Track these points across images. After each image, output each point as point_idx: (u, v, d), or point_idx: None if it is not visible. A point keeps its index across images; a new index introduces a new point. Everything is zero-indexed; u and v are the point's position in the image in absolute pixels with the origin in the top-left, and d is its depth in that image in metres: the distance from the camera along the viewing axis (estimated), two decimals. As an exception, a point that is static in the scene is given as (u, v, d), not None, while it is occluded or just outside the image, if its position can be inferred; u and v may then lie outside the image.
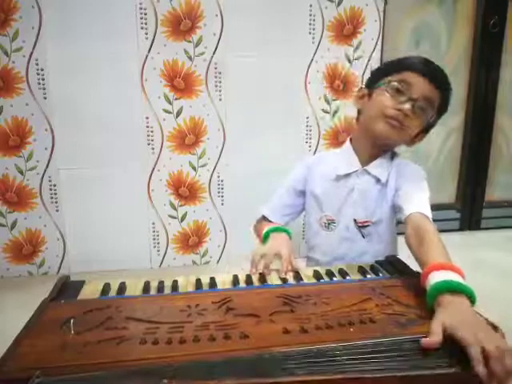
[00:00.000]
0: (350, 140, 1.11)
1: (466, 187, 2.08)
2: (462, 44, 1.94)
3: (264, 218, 1.16)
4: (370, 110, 1.04)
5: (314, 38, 1.64)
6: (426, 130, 1.05)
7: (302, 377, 0.53)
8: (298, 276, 0.86)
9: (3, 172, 1.52)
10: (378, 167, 1.05)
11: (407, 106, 0.96)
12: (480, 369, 0.53)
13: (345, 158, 1.09)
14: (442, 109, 1.02)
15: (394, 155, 1.09)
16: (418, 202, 0.95)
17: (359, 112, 1.09)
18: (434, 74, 0.98)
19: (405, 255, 0.88)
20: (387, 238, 1.08)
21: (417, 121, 0.98)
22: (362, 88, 1.09)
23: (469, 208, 2.10)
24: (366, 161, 1.06)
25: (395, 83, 0.98)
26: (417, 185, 1.01)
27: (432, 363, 0.56)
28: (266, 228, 1.08)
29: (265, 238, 1.05)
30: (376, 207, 1.05)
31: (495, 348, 0.54)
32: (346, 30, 1.66)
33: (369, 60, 1.68)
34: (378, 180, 1.05)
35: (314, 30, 1.63)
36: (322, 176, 1.11)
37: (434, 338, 0.57)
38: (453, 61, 1.95)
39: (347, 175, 1.07)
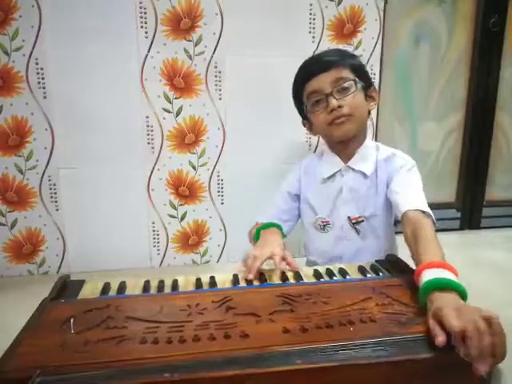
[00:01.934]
0: (327, 145, 1.13)
1: (466, 186, 2.08)
2: (462, 43, 1.94)
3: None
4: (318, 131, 1.11)
5: (314, 38, 1.64)
6: (369, 86, 1.08)
7: (297, 365, 0.54)
8: (297, 275, 0.86)
9: (3, 171, 1.51)
10: (360, 161, 1.07)
11: (332, 102, 0.99)
12: (461, 350, 0.55)
13: (327, 160, 1.12)
14: (357, 70, 1.05)
15: (378, 146, 1.10)
16: (412, 197, 0.95)
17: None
18: (318, 64, 1.03)
19: (405, 254, 0.88)
20: (382, 233, 1.07)
21: (350, 99, 1.01)
22: (303, 122, 1.17)
23: (469, 207, 2.10)
24: (347, 157, 1.08)
25: (309, 101, 1.05)
26: (408, 176, 1.01)
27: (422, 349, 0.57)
28: (256, 227, 1.09)
29: (256, 238, 1.05)
30: (367, 202, 1.06)
31: (473, 328, 0.54)
32: (346, 29, 1.66)
33: (369, 59, 1.68)
34: (364, 174, 1.05)
35: (314, 29, 1.63)
36: (311, 180, 1.13)
37: (439, 336, 0.57)
38: (453, 60, 1.95)
39: (333, 176, 1.09)
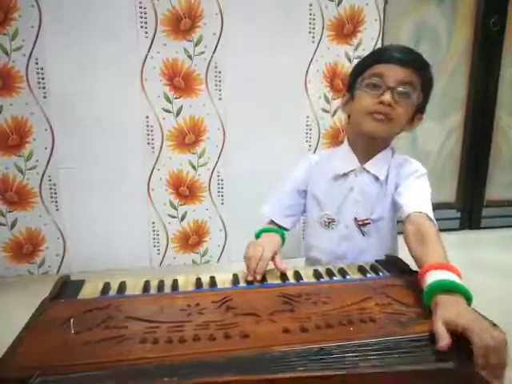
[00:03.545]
0: (348, 139, 1.11)
1: (466, 186, 2.08)
2: (462, 43, 1.94)
3: (271, 222, 1.15)
4: (355, 112, 1.04)
5: (313, 38, 1.64)
6: (420, 111, 1.04)
7: (301, 373, 0.53)
8: (297, 275, 0.86)
9: (3, 171, 1.52)
10: (376, 165, 1.05)
11: (386, 96, 0.95)
12: (480, 365, 0.54)
13: (343, 157, 1.09)
14: (426, 87, 1.01)
15: (393, 152, 1.09)
16: (418, 200, 0.94)
17: (349, 116, 1.10)
18: (404, 57, 0.97)
19: (405, 254, 0.88)
20: (387, 236, 1.07)
21: (402, 107, 0.97)
22: (345, 94, 1.10)
23: (469, 207, 2.10)
24: (364, 159, 1.06)
25: (369, 80, 0.99)
26: (417, 182, 1.00)
27: (430, 358, 0.57)
28: (259, 228, 1.09)
29: (256, 238, 1.06)
30: (376, 205, 1.05)
31: (492, 339, 0.55)
32: (346, 29, 1.66)
33: (369, 59, 1.68)
34: (376, 178, 1.05)
35: (313, 29, 1.63)
36: (321, 176, 1.12)
37: (444, 340, 0.57)
38: (453, 60, 1.95)
39: (346, 174, 1.07)
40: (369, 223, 1.06)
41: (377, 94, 0.96)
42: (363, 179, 1.06)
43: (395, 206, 1.02)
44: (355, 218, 1.06)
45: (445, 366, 0.56)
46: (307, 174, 1.15)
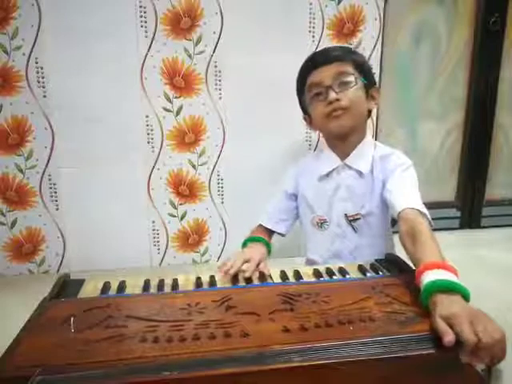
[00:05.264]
0: (325, 141, 1.14)
1: (466, 185, 2.08)
2: (462, 42, 1.94)
3: (260, 226, 1.16)
4: (317, 123, 1.10)
5: (313, 37, 1.64)
6: (371, 85, 1.08)
7: (296, 363, 0.54)
8: (297, 274, 0.87)
9: (3, 170, 1.52)
10: (357, 159, 1.07)
11: (331, 95, 1.00)
12: (466, 359, 0.56)
13: (324, 157, 1.13)
14: (360, 66, 1.05)
15: (375, 144, 1.10)
16: (407, 196, 0.95)
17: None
18: (325, 56, 1.04)
19: (401, 250, 0.88)
20: (379, 231, 1.08)
21: (351, 94, 1.01)
22: (305, 117, 1.16)
23: (469, 206, 2.10)
24: (344, 155, 1.08)
25: (310, 93, 1.05)
26: (404, 176, 1.01)
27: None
28: (246, 237, 1.10)
29: (243, 247, 1.07)
30: (364, 199, 1.06)
31: (487, 336, 0.55)
32: (346, 28, 1.66)
33: (369, 58, 1.68)
34: (360, 173, 1.06)
35: (313, 28, 1.63)
36: (309, 179, 1.14)
37: (449, 335, 0.57)
38: (453, 59, 1.95)
39: (330, 173, 1.09)
40: (359, 218, 1.06)
41: (323, 99, 1.02)
42: (347, 175, 1.07)
43: (386, 203, 1.02)
44: (345, 214, 1.07)
45: (427, 352, 0.57)
46: (296, 179, 1.17)
